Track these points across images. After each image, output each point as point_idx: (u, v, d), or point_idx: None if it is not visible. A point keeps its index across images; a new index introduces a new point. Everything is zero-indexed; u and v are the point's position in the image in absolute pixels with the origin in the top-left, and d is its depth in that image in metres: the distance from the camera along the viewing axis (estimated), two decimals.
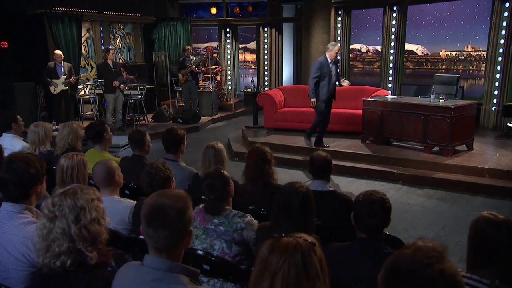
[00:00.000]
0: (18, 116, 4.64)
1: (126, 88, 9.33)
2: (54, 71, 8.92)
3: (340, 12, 10.64)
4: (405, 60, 9.96)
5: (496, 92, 8.48)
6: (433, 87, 7.08)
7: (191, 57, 10.53)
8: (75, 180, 2.78)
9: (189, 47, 10.80)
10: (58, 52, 9.03)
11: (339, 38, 10.73)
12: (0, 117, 4.68)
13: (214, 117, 10.88)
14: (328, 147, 6.94)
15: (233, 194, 2.74)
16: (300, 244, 1.38)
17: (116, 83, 8.80)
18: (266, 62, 13.14)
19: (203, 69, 11.55)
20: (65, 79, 8.93)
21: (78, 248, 1.72)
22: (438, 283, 1.16)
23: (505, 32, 8.18)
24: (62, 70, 8.98)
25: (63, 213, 1.74)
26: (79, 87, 10.26)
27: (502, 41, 8.26)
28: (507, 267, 1.72)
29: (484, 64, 8.68)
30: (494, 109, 8.52)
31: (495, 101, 8.51)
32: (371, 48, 10.63)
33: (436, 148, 6.52)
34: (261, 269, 1.37)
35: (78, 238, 1.72)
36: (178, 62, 10.97)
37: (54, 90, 8.94)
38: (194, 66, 10.25)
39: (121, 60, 11.63)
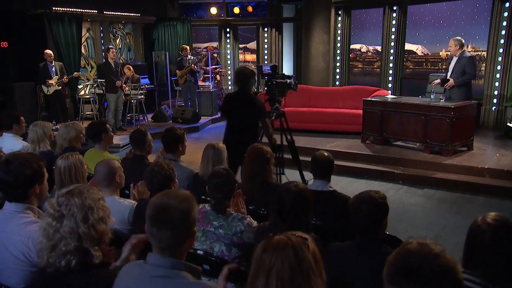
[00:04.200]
0: (22, 118, 4.61)
1: (127, 88, 9.33)
2: (46, 71, 8.80)
3: (340, 12, 10.62)
4: (405, 60, 9.94)
5: (496, 92, 8.48)
6: (433, 87, 7.06)
7: (189, 56, 10.51)
8: (74, 180, 2.76)
9: (187, 47, 10.72)
10: (48, 51, 8.86)
11: (339, 38, 10.72)
12: (3, 117, 4.66)
13: (214, 117, 10.87)
14: None
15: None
16: (292, 240, 1.40)
17: (119, 83, 8.75)
18: (266, 62, 13.13)
19: (204, 67, 11.53)
20: (58, 79, 8.82)
21: (85, 247, 1.73)
22: (447, 273, 1.23)
23: (505, 32, 8.18)
24: (54, 70, 8.85)
25: (71, 212, 1.74)
26: (79, 87, 10.26)
27: (502, 41, 8.26)
28: (491, 269, 1.77)
29: (484, 64, 8.67)
30: (494, 109, 8.51)
31: (495, 101, 8.50)
32: (371, 48, 10.62)
33: (436, 148, 6.52)
34: (255, 269, 1.39)
35: (86, 237, 1.73)
36: (176, 62, 10.94)
37: (48, 90, 8.84)
38: (193, 65, 10.24)
39: (121, 60, 11.63)
